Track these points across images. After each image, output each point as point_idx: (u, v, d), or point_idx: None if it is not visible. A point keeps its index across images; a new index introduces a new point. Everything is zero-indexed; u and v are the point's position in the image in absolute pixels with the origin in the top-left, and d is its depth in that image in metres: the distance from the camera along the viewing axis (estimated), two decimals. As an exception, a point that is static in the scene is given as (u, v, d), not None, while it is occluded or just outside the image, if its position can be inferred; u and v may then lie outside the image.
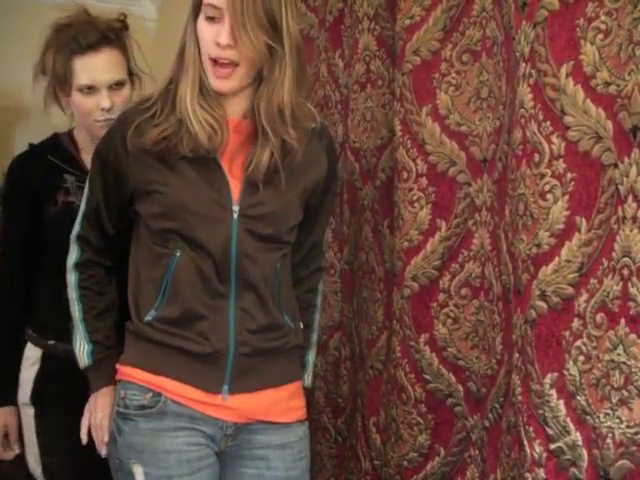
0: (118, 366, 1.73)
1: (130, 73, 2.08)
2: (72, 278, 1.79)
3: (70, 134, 2.15)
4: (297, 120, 1.67)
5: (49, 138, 2.17)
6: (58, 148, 2.12)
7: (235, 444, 1.71)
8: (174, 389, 1.66)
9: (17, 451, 2.13)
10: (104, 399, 1.77)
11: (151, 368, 1.68)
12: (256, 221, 1.67)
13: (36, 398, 2.07)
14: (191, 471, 1.64)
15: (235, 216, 1.66)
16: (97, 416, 1.77)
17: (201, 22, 1.62)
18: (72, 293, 1.79)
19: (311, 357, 1.90)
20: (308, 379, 1.89)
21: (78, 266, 1.79)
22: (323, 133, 1.79)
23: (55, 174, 2.07)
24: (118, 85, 2.02)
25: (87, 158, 2.02)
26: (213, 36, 1.60)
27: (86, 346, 1.77)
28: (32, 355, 2.09)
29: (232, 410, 1.69)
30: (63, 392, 2.01)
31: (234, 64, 1.61)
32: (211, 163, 1.66)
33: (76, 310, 1.78)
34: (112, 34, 2.02)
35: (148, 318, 1.67)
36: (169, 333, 1.66)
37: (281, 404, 1.74)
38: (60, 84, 2.02)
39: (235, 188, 1.67)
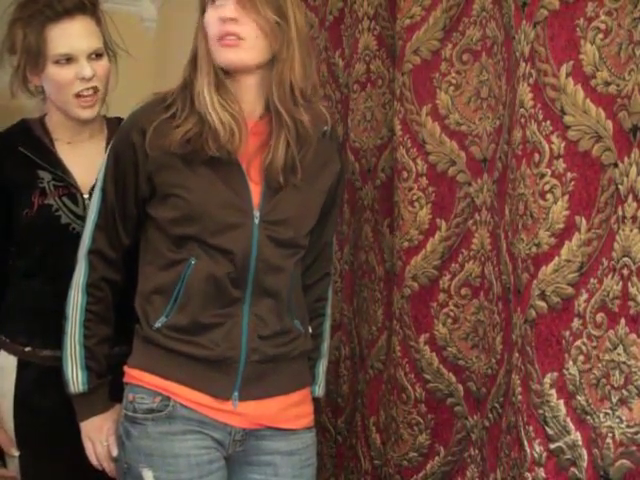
0: (126, 369, 1.71)
1: (106, 47, 1.91)
2: (80, 299, 1.71)
3: (41, 121, 1.92)
4: (307, 100, 1.66)
5: (17, 124, 1.92)
6: (29, 137, 1.88)
7: (243, 449, 1.71)
8: (183, 394, 1.65)
9: (15, 454, 1.91)
10: (107, 425, 1.74)
11: (160, 372, 1.66)
12: (276, 226, 1.66)
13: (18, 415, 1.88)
14: (201, 475, 1.64)
15: (256, 221, 1.65)
16: (103, 444, 1.74)
17: (207, 11, 1.61)
18: (76, 314, 1.71)
19: (322, 368, 1.89)
20: (319, 390, 1.88)
21: (89, 287, 1.71)
22: (333, 134, 1.80)
23: (28, 170, 1.84)
24: (97, 56, 1.85)
25: (63, 150, 1.89)
26: (218, 16, 1.58)
27: (80, 372, 1.71)
28: (7, 365, 1.90)
29: (241, 416, 1.68)
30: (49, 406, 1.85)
31: (239, 38, 1.59)
32: (232, 167, 1.65)
33: (77, 333, 1.71)
34: (87, 2, 1.84)
35: (158, 325, 1.65)
36: (179, 340, 1.65)
37: (290, 411, 1.74)
38: (32, 59, 1.82)
39: (255, 193, 1.66)
